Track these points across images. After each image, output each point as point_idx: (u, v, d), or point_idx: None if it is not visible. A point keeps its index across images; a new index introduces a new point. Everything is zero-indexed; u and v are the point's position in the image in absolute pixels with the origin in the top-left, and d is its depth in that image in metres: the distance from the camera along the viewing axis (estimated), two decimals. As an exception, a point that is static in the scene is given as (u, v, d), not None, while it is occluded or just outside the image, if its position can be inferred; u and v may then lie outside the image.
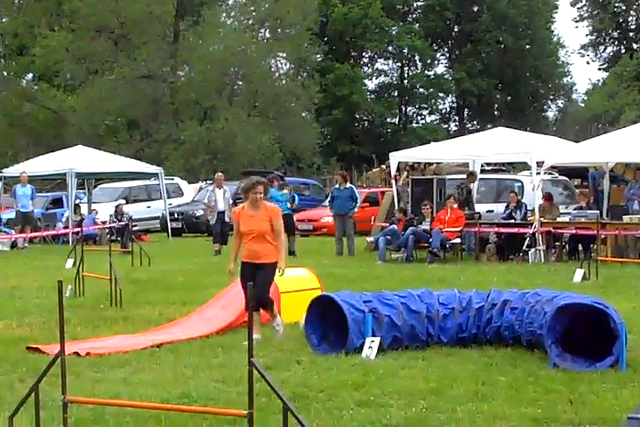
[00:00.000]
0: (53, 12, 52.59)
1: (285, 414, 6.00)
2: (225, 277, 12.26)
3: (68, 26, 50.87)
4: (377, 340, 10.23)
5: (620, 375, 9.13)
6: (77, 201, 31.33)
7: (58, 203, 34.26)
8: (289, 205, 24.34)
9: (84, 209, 30.99)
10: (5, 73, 55.95)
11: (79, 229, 19.52)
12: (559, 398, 8.31)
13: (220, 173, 26.49)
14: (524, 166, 25.58)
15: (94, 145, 37.23)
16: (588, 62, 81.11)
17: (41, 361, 9.17)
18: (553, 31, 69.51)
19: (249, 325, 6.08)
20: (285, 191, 24.44)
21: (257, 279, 10.78)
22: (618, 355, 9.39)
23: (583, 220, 21.53)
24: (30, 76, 56.97)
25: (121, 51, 51.02)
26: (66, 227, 29.28)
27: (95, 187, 35.20)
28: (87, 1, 49.16)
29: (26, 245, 27.66)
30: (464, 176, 25.63)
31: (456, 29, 67.87)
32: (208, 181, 41.16)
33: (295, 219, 27.01)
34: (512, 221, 22.80)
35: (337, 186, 24.79)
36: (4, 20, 54.67)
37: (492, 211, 25.03)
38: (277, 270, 11.08)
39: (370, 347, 10.17)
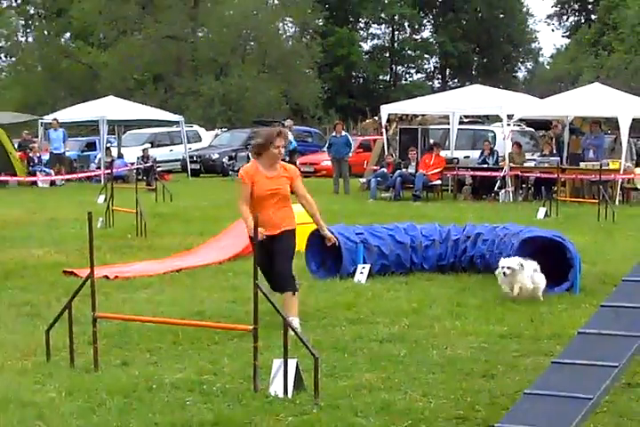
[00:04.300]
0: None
1: (285, 330, 6.00)
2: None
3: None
4: (367, 267, 10.25)
5: (573, 298, 9.18)
6: (108, 145, 31.19)
7: (91, 146, 34.11)
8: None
9: (114, 152, 30.96)
10: (46, 32, 55.41)
11: (109, 170, 19.40)
12: (522, 317, 8.34)
13: (289, 120, 26.49)
14: (497, 118, 25.37)
15: (124, 96, 36.89)
16: (552, 30, 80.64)
17: (75, 283, 9.10)
18: (523, 2, 68.90)
19: (253, 262, 6.04)
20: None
21: (277, 257, 7.78)
22: (573, 281, 9.47)
23: (546, 165, 21.59)
24: (68, 35, 56.38)
25: (148, 14, 50.42)
26: (98, 167, 29.25)
27: (124, 133, 35.01)
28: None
29: (63, 182, 27.60)
30: (445, 126, 25.53)
31: (440, -1, 67.17)
32: (223, 129, 40.98)
33: (298, 162, 26.93)
34: (485, 165, 22.83)
35: (334, 134, 24.83)
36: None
37: (469, 157, 24.96)
38: (327, 240, 8.34)
39: (361, 273, 10.20)
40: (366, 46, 66.76)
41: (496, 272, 9.29)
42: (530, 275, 9.06)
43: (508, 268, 9.01)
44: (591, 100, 21.63)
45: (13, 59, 57.36)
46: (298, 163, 27.09)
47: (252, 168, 7.94)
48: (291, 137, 25.40)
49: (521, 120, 24.67)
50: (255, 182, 7.85)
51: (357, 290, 9.63)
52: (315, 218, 8.13)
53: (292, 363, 5.98)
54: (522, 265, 9.04)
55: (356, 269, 10.25)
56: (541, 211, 17.03)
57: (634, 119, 21.08)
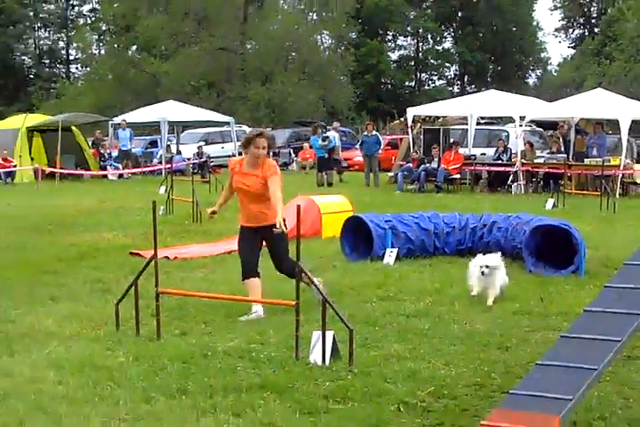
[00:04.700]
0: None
1: (324, 305, 5.97)
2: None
3: (164, 10, 50.53)
4: (395, 250, 10.20)
5: (579, 280, 9.05)
6: (168, 143, 31.35)
7: (154, 144, 34.32)
8: (321, 145, 24.30)
9: (173, 149, 31.11)
10: (116, 46, 55.76)
11: (169, 165, 19.47)
12: (533, 296, 8.25)
13: (336, 123, 26.62)
14: (510, 120, 25.16)
15: (182, 100, 36.95)
16: (560, 42, 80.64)
17: (140, 263, 9.12)
18: (533, 17, 68.28)
19: (296, 243, 6.00)
20: (325, 143, 24.36)
21: (274, 254, 7.54)
22: (578, 264, 9.33)
23: (554, 161, 21.39)
24: (135, 47, 56.64)
25: (203, 29, 50.51)
26: (160, 162, 29.43)
27: (182, 132, 35.15)
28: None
29: (129, 175, 27.81)
30: (464, 127, 25.36)
31: (460, 14, 66.43)
32: (268, 128, 41.00)
33: (341, 157, 26.85)
34: (500, 161, 22.65)
35: (365, 133, 24.73)
36: (115, 5, 54.22)
37: (485, 154, 24.78)
38: (279, 227, 6.95)
39: (389, 256, 10.15)
40: (394, 56, 66.61)
41: (470, 270, 7.98)
42: (503, 272, 7.93)
43: (487, 267, 7.73)
44: (594, 103, 21.43)
45: (88, 69, 57.94)
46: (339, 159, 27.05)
47: (236, 162, 7.60)
48: (335, 137, 25.42)
49: (531, 121, 24.45)
50: (234, 175, 7.54)
51: (386, 271, 9.59)
52: (276, 210, 7.06)
53: (329, 334, 5.96)
54: (500, 262, 7.87)
55: (385, 252, 10.20)
56: (550, 202, 16.87)
57: (633, 121, 20.87)
